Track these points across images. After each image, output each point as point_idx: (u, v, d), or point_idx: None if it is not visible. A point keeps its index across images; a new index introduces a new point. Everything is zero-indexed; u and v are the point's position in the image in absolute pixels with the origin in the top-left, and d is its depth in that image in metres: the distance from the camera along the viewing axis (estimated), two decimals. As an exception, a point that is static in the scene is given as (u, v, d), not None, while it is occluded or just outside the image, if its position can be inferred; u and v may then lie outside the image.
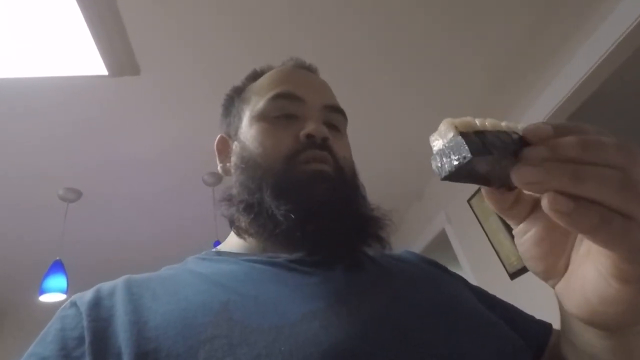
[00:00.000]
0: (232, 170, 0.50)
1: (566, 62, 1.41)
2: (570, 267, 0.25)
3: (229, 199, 0.47)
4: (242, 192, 0.45)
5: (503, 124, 0.23)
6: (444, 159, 0.22)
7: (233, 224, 0.47)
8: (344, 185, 0.44)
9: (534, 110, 1.60)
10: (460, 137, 0.21)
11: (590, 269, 0.23)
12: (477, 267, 2.13)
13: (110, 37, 1.26)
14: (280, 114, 0.46)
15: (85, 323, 0.32)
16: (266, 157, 0.44)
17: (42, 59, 1.31)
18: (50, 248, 2.20)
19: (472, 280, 2.05)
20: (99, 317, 0.32)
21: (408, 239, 2.87)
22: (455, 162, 0.21)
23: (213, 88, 1.53)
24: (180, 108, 1.65)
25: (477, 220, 2.04)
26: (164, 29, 1.29)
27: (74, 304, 0.35)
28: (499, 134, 0.22)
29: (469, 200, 2.09)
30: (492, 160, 0.21)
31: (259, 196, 0.42)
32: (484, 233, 1.99)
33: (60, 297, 1.98)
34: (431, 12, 1.35)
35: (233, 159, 0.50)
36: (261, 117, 0.47)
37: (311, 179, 0.42)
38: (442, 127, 0.22)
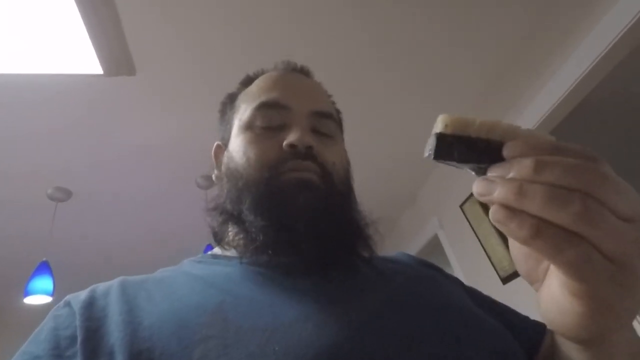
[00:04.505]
0: (221, 180, 0.49)
1: (556, 69, 1.43)
2: (547, 275, 0.26)
3: (215, 209, 0.47)
4: (226, 203, 0.45)
5: (505, 125, 0.24)
6: (427, 145, 0.25)
7: (217, 237, 0.47)
8: (331, 192, 0.42)
9: (526, 115, 1.62)
10: (435, 137, 0.24)
11: (554, 279, 0.24)
12: (470, 272, 2.13)
13: (107, 35, 1.24)
14: (266, 124, 0.45)
15: (78, 322, 0.32)
16: (249, 168, 0.43)
17: (36, 55, 1.29)
18: (37, 249, 2.16)
19: (464, 285, 2.04)
20: (92, 316, 0.33)
21: (401, 244, 2.88)
22: (426, 154, 0.25)
23: (209, 90, 1.52)
24: (174, 110, 1.63)
25: (469, 226, 2.05)
26: (162, 29, 1.28)
27: (67, 304, 0.35)
28: (482, 144, 0.23)
29: (461, 206, 2.10)
30: (456, 165, 0.24)
31: (238, 208, 0.42)
32: (476, 238, 2.00)
33: (46, 299, 1.93)
34: (427, 14, 1.36)
35: (222, 168, 0.50)
36: (247, 127, 0.46)
37: (293, 187, 0.40)
38: (438, 119, 0.24)
